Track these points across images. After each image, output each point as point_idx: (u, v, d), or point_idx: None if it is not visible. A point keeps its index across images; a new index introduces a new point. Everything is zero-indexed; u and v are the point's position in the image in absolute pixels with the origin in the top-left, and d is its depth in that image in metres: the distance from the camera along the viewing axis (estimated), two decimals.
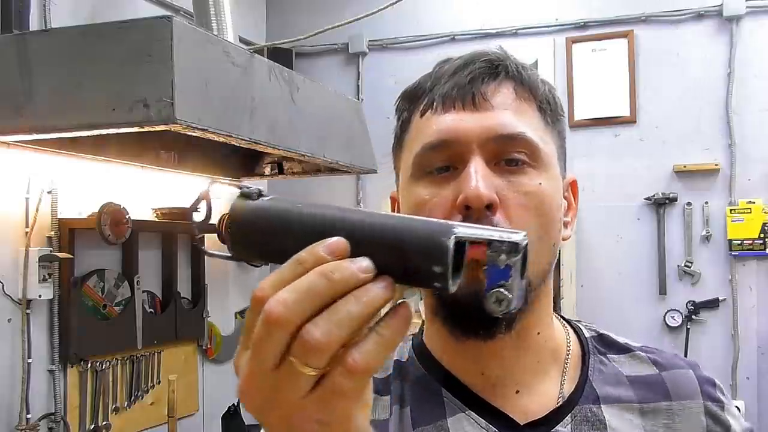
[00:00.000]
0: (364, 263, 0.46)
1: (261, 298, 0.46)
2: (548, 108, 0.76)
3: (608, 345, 0.82)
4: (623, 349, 0.82)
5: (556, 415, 0.74)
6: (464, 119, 0.72)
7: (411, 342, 0.84)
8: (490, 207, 0.69)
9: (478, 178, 0.69)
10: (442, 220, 0.50)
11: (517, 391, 0.76)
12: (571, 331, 0.83)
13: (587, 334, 0.83)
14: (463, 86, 0.73)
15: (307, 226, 0.49)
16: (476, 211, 0.68)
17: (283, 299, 0.45)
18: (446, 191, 0.71)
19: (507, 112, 0.72)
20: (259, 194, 0.51)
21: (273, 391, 0.47)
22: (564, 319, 0.85)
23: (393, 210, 0.83)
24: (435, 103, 0.74)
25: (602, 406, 0.75)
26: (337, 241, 0.47)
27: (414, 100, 0.77)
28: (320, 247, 0.46)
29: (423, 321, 0.84)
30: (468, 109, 0.72)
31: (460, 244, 0.47)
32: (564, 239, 0.77)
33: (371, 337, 0.46)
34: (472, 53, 0.77)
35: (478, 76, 0.73)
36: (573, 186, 0.82)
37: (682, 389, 0.78)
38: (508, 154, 0.71)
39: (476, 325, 0.71)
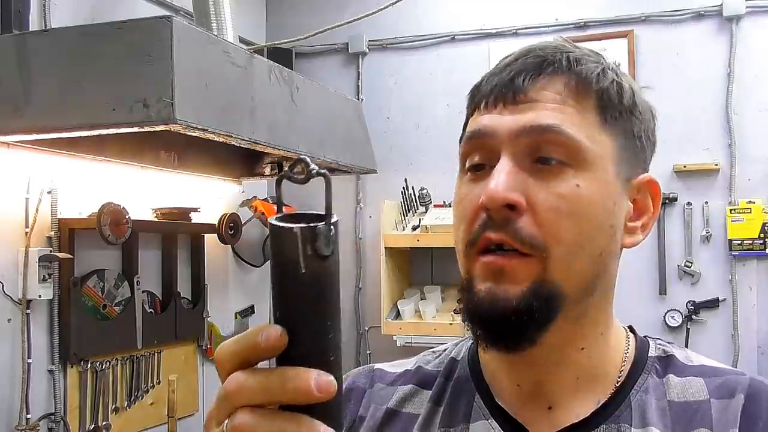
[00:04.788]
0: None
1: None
2: (609, 103, 0.69)
3: (671, 366, 0.75)
4: (690, 372, 0.74)
5: (577, 430, 0.71)
6: (501, 117, 0.68)
7: (471, 341, 0.81)
8: (513, 208, 0.64)
9: (500, 176, 0.64)
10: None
11: (550, 408, 0.72)
12: (633, 347, 0.76)
13: (654, 352, 0.76)
14: (504, 85, 0.69)
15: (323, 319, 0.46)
16: (495, 211, 0.64)
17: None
18: (477, 190, 0.68)
19: (546, 109, 0.67)
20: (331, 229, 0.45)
21: None
22: (634, 333, 0.79)
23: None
24: (481, 102, 0.71)
25: (633, 428, 0.69)
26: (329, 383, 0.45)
27: (472, 97, 0.74)
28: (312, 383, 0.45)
29: None
30: (508, 108, 0.68)
31: None
32: (627, 246, 0.71)
33: None
34: (526, 47, 0.72)
35: (520, 73, 0.69)
36: (650, 186, 0.73)
37: (728, 418, 0.70)
38: (541, 152, 0.66)
39: (498, 336, 0.68)
